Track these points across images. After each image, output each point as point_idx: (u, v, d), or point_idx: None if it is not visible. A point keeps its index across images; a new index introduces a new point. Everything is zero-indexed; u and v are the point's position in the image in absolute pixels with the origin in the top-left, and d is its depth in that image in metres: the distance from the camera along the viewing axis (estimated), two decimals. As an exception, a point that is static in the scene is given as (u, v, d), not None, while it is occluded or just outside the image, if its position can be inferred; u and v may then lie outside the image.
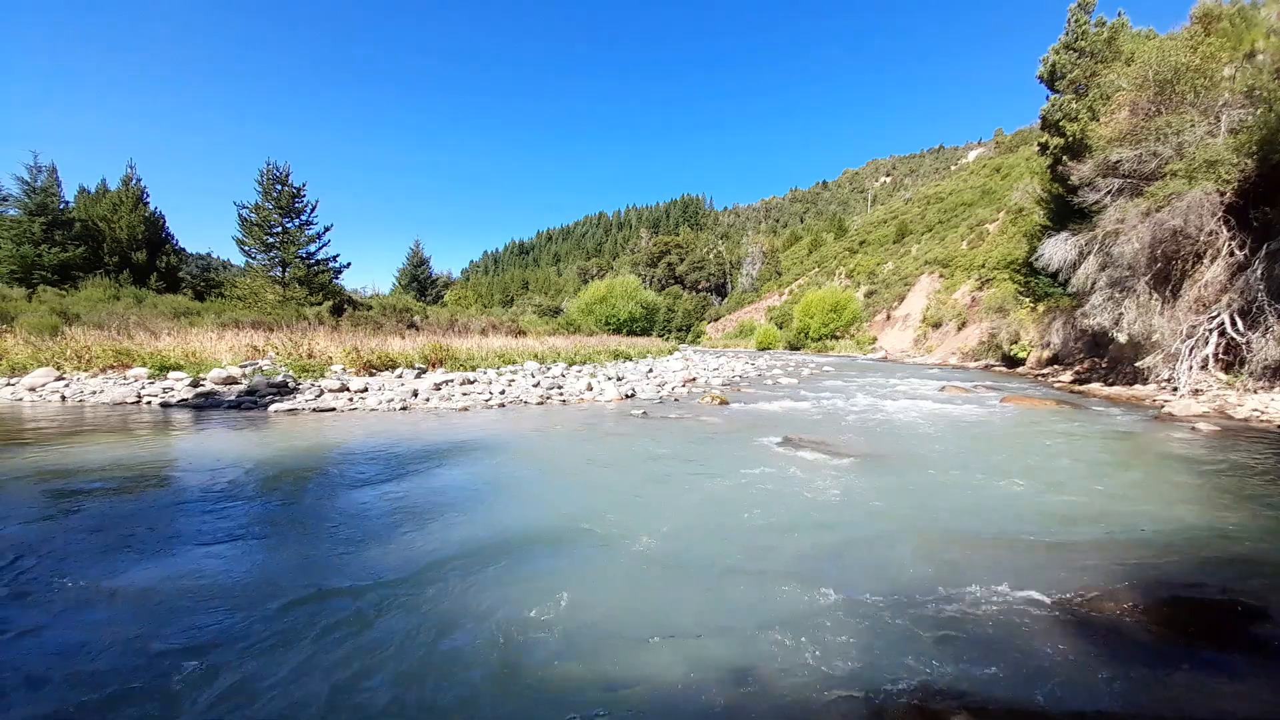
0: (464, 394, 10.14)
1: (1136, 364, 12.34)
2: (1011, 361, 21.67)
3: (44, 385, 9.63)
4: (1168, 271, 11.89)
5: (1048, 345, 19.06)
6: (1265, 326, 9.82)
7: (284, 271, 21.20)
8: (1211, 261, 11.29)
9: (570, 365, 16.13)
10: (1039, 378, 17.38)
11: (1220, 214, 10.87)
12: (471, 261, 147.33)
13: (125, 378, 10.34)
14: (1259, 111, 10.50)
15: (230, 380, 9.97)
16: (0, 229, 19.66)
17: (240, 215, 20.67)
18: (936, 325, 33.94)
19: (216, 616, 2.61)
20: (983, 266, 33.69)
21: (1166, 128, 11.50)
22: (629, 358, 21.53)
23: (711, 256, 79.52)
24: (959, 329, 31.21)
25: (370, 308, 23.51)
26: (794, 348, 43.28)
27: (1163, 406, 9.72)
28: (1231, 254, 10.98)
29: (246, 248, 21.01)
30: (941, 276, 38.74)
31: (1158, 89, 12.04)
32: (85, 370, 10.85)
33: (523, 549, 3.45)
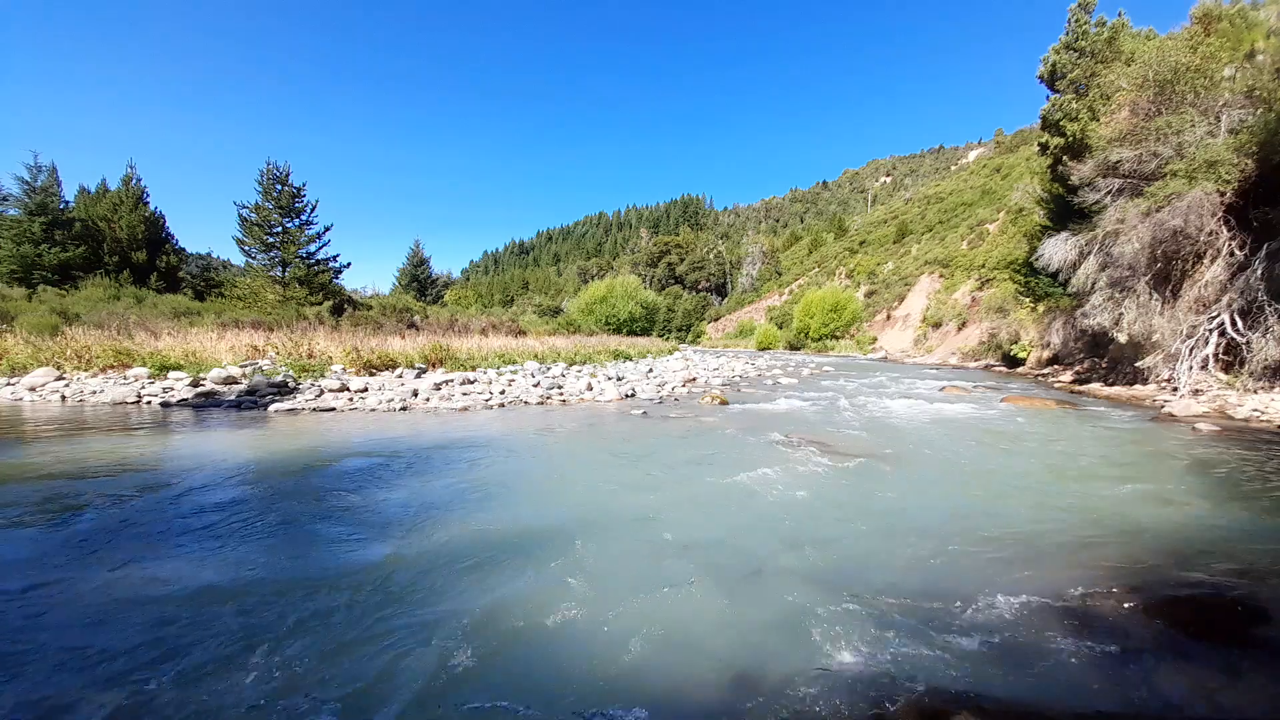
0: (464, 394, 10.14)
1: (1136, 364, 12.33)
2: (1011, 361, 21.66)
3: (44, 385, 9.63)
4: (1168, 271, 11.89)
5: (1048, 345, 19.05)
6: (1265, 326, 9.82)
7: (284, 271, 21.19)
8: (1211, 261, 11.28)
9: (570, 365, 16.13)
10: (1039, 378, 17.38)
11: (1220, 214, 10.86)
12: (471, 261, 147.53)
13: (125, 377, 10.34)
14: (1259, 111, 10.50)
15: (230, 380, 9.96)
16: (0, 229, 19.66)
17: (240, 215, 20.67)
18: (936, 325, 33.94)
19: (216, 615, 2.61)
20: (983, 266, 33.68)
21: (1166, 128, 11.50)
22: (629, 358, 21.52)
23: (711, 256, 79.50)
24: (959, 329, 31.21)
25: (370, 308, 23.50)
26: (794, 348, 43.27)
27: (1163, 407, 9.72)
28: (1231, 254, 10.98)
29: (246, 248, 21.01)
30: (941, 276, 38.73)
31: (1158, 89, 12.03)
32: (85, 370, 10.85)
33: (521, 548, 3.45)
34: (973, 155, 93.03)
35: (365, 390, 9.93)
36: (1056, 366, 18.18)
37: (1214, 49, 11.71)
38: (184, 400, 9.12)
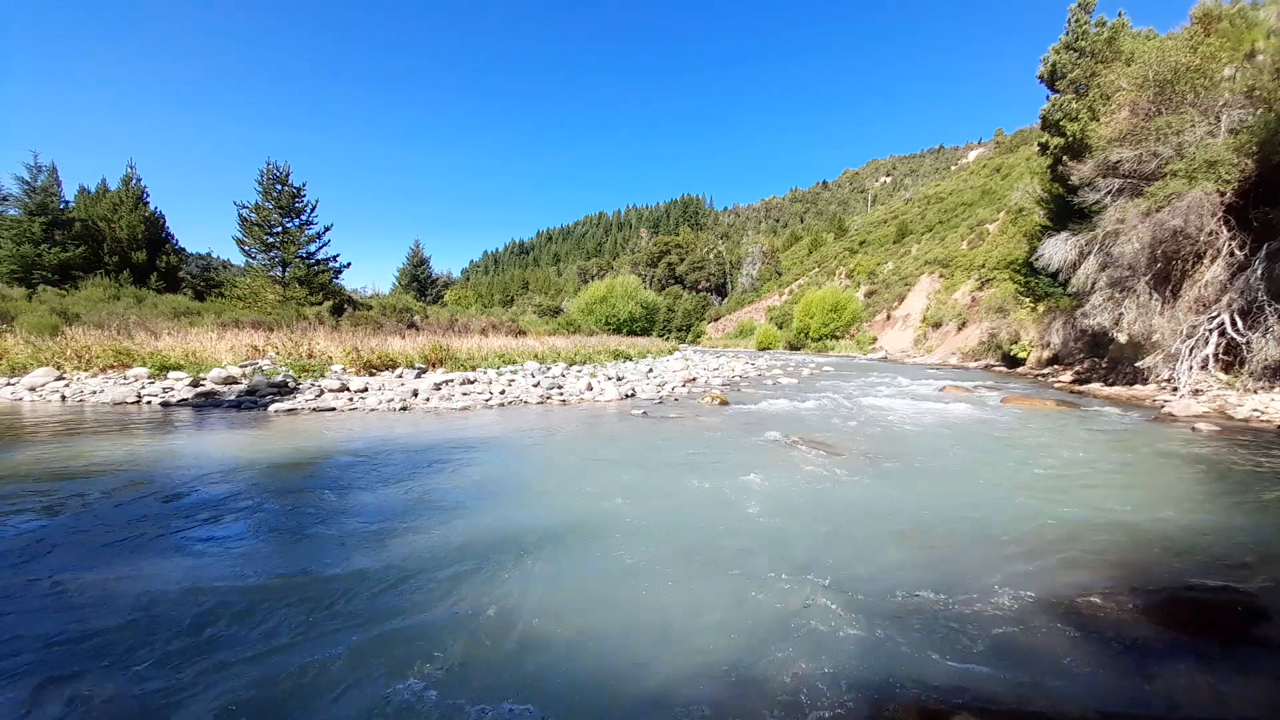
0: (464, 394, 10.14)
1: (1136, 364, 12.33)
2: (1011, 361, 21.66)
3: (44, 385, 9.63)
4: (1168, 271, 11.89)
5: (1048, 345, 19.05)
6: (1265, 326, 9.82)
7: (284, 271, 21.20)
8: (1211, 261, 11.28)
9: (570, 365, 16.13)
10: (1039, 378, 17.38)
11: (1220, 214, 10.86)
12: (471, 261, 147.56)
13: (125, 377, 10.34)
14: (1259, 112, 10.50)
15: (230, 380, 9.96)
16: (0, 229, 19.66)
17: (240, 215, 20.68)
18: (936, 325, 33.94)
19: (214, 614, 2.61)
20: (983, 266, 33.69)
21: (1166, 128, 11.50)
22: (629, 358, 21.52)
23: (711, 256, 79.49)
24: (959, 329, 31.21)
25: (370, 308, 23.50)
26: (794, 348, 43.27)
27: (1163, 406, 9.72)
28: (1231, 254, 10.98)
29: (246, 248, 21.02)
30: (941, 276, 38.74)
31: (1158, 89, 12.03)
32: (85, 370, 10.84)
33: (521, 548, 3.45)
34: (973, 155, 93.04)
35: (365, 390, 9.93)
36: (1056, 366, 18.18)
37: (1214, 49, 11.71)
38: (184, 400, 9.12)
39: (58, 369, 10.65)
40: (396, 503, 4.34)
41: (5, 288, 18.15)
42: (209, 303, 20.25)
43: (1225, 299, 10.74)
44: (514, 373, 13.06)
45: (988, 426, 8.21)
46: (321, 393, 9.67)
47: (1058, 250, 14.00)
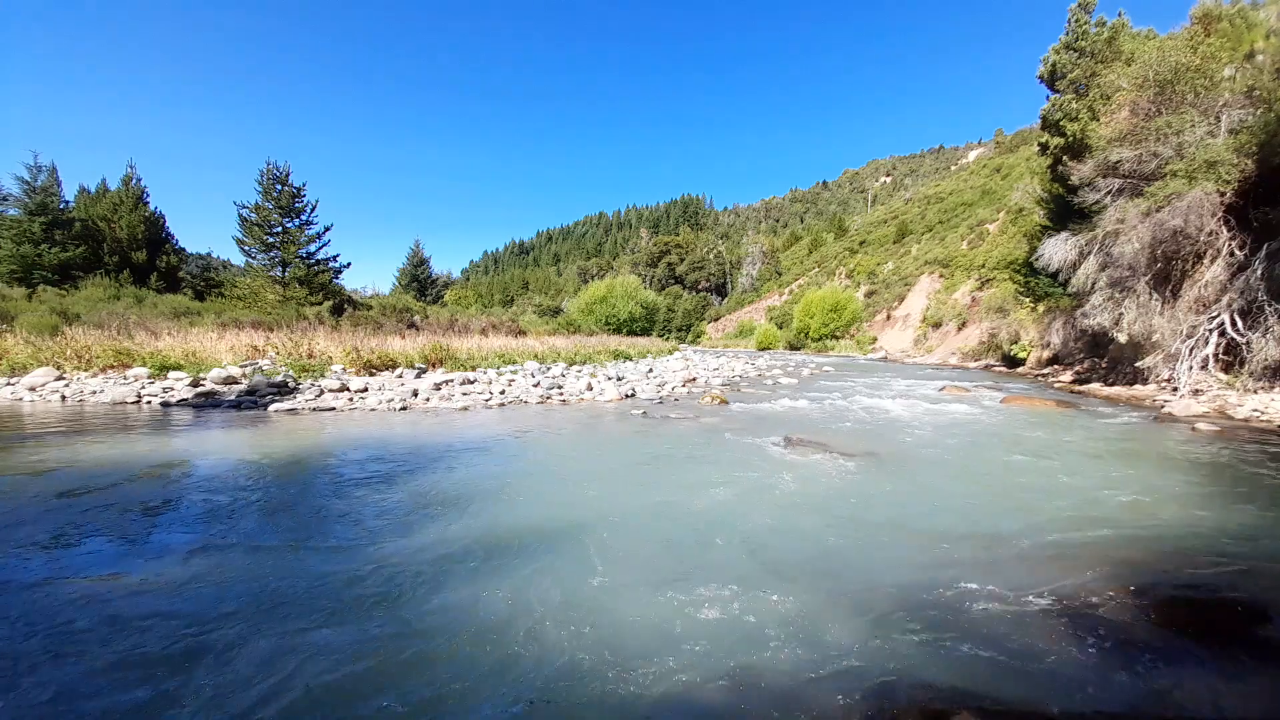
0: (464, 394, 10.14)
1: (1136, 364, 12.33)
2: (1011, 361, 21.66)
3: (44, 385, 9.63)
4: (1168, 271, 11.89)
5: (1048, 345, 19.05)
6: (1265, 326, 9.82)
7: (284, 271, 21.20)
8: (1211, 261, 11.28)
9: (570, 365, 16.12)
10: (1039, 378, 17.38)
11: (1220, 214, 10.86)
12: (471, 261, 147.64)
13: (125, 377, 10.34)
14: (1259, 112, 10.50)
15: (230, 380, 9.96)
16: (0, 229, 19.67)
17: (240, 215, 20.69)
18: (936, 325, 33.94)
19: (213, 614, 2.61)
20: (983, 266, 33.68)
21: (1166, 128, 11.50)
22: (629, 358, 21.52)
23: (711, 256, 79.48)
24: (959, 329, 31.20)
25: (370, 308, 23.50)
26: (794, 348, 43.26)
27: (1163, 406, 9.72)
28: (1231, 254, 10.98)
29: (246, 248, 21.03)
30: (941, 276, 38.73)
31: (1158, 89, 12.04)
32: (85, 370, 10.85)
33: (521, 548, 3.45)
34: (973, 155, 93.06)
35: (365, 390, 9.93)
36: (1056, 366, 18.18)
37: (1214, 49, 11.71)
38: (184, 400, 9.11)
39: (58, 369, 10.65)
40: (394, 503, 4.34)
41: (5, 288, 18.15)
42: (209, 303, 20.26)
43: (1225, 299, 10.73)
44: (514, 373, 13.05)
45: (987, 427, 8.21)
46: (321, 393, 9.67)
47: (1058, 250, 14.00)
